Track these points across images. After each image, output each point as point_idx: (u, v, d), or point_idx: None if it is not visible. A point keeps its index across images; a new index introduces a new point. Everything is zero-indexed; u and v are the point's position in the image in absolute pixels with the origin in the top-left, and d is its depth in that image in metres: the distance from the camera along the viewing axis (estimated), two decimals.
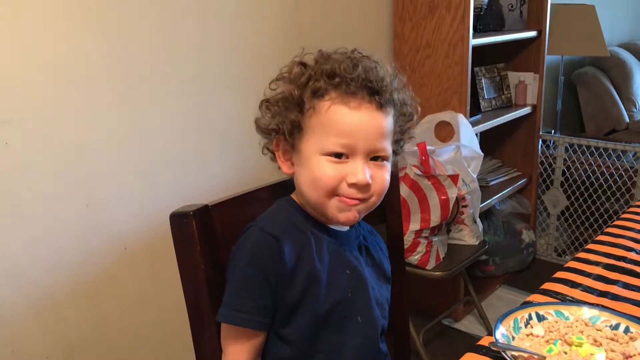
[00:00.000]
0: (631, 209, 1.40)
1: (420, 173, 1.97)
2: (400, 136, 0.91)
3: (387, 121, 0.86)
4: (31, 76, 1.30)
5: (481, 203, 2.28)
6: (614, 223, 1.32)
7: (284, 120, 0.86)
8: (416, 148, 2.03)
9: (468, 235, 2.17)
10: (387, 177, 0.88)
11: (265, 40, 1.78)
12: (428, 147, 2.04)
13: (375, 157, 0.86)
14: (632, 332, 0.83)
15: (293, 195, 0.94)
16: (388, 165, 0.88)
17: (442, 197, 1.97)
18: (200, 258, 0.88)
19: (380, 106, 0.84)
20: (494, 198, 2.48)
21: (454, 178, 1.99)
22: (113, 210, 1.51)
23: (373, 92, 0.83)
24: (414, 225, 1.98)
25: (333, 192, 0.85)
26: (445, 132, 2.19)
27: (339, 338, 0.89)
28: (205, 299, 0.89)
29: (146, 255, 1.59)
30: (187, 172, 1.66)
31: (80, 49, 1.37)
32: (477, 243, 2.17)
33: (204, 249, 0.88)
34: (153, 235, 1.58)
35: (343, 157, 0.84)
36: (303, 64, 0.87)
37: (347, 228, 0.94)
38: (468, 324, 2.35)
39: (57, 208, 1.40)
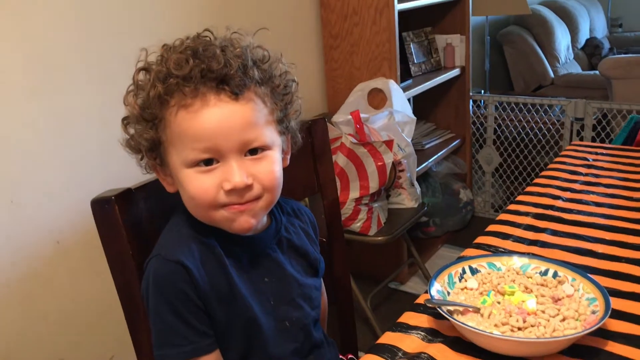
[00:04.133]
0: (557, 159, 1.44)
1: (355, 141, 1.97)
2: (282, 115, 0.81)
3: (250, 108, 0.75)
4: None
5: (418, 166, 2.31)
6: (541, 174, 1.36)
7: (140, 139, 0.77)
8: (350, 117, 2.03)
9: (407, 198, 2.21)
10: (274, 167, 0.78)
11: (189, 17, 1.72)
12: (362, 115, 2.05)
13: (252, 150, 0.76)
14: (560, 276, 0.86)
15: None
16: (273, 154, 0.78)
17: (379, 163, 1.98)
18: (127, 243, 0.84)
19: (235, 95, 0.74)
20: (430, 161, 2.52)
21: (389, 144, 2.01)
22: (41, 204, 1.44)
23: (221, 82, 0.73)
24: (354, 193, 1.99)
25: (215, 204, 0.76)
26: (377, 99, 2.20)
27: (273, 348, 0.85)
28: (136, 284, 0.86)
29: (80, 248, 1.53)
30: (115, 160, 1.59)
31: None
32: (416, 205, 2.21)
33: (130, 234, 0.85)
34: (84, 227, 1.52)
35: (214, 163, 0.75)
36: (145, 69, 0.77)
37: (260, 228, 0.86)
38: (414, 285, 2.40)
39: None
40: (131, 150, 0.81)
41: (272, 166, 0.78)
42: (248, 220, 0.78)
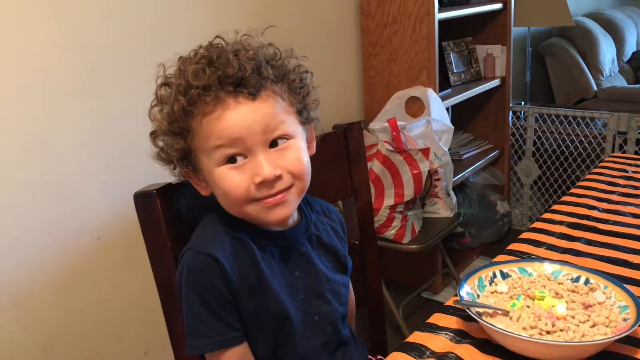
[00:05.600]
0: (595, 170, 1.43)
1: (391, 149, 1.98)
2: (300, 106, 0.84)
3: (269, 105, 0.78)
4: None
5: (455, 176, 2.30)
6: (578, 184, 1.35)
7: (171, 151, 0.82)
8: (387, 124, 2.04)
9: (442, 208, 2.20)
10: (299, 155, 0.81)
11: (230, 19, 1.77)
12: (399, 123, 2.06)
13: (275, 143, 0.79)
14: (592, 283, 0.85)
15: None
16: (296, 142, 0.81)
17: (415, 171, 1.99)
18: (167, 237, 0.88)
19: (252, 96, 0.77)
20: (467, 171, 2.51)
21: (425, 152, 2.01)
22: (84, 200, 1.50)
23: (238, 86, 0.77)
24: (388, 200, 2.00)
25: (248, 199, 0.79)
26: (415, 107, 2.21)
27: (302, 342, 0.87)
28: (174, 277, 0.88)
29: (121, 245, 1.58)
30: None
31: (39, 40, 1.35)
32: (451, 215, 2.20)
33: (170, 228, 0.88)
34: (125, 223, 1.57)
35: (241, 159, 0.79)
36: (166, 84, 0.81)
37: (291, 223, 0.89)
38: (447, 295, 2.38)
39: (27, 201, 1.38)
40: (163, 162, 0.85)
41: (298, 154, 0.81)
42: (282, 211, 0.81)
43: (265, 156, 0.78)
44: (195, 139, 0.80)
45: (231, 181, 0.79)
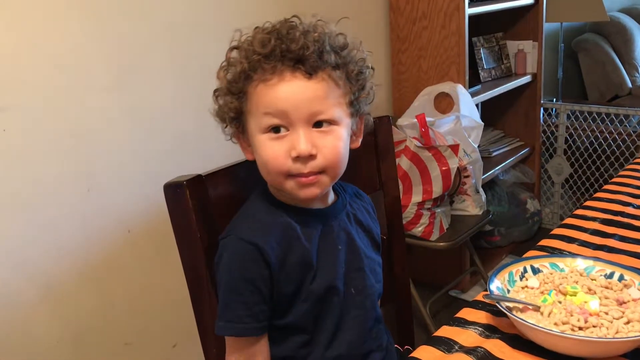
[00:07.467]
0: (629, 166, 1.39)
1: (420, 145, 1.97)
2: (353, 97, 0.86)
3: (322, 87, 0.81)
4: (26, 63, 1.31)
5: (484, 173, 2.28)
6: (611, 181, 1.32)
7: (226, 109, 0.86)
8: (415, 120, 2.03)
9: (471, 205, 2.18)
10: (339, 143, 0.83)
11: (261, 17, 1.78)
12: (427, 119, 2.04)
13: (318, 124, 0.82)
14: (626, 280, 0.83)
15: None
16: (339, 130, 0.83)
17: (443, 168, 1.97)
18: (196, 227, 0.89)
19: (309, 74, 0.80)
20: (497, 168, 2.48)
21: (455, 148, 1.99)
22: (114, 194, 1.52)
23: (297, 62, 0.80)
24: (416, 197, 1.98)
25: (284, 172, 0.82)
26: (444, 103, 2.19)
27: (338, 313, 0.89)
28: (203, 268, 0.90)
29: (150, 237, 1.60)
30: (187, 154, 1.66)
31: (74, 35, 1.38)
32: (480, 213, 2.18)
33: (200, 218, 0.89)
34: (155, 217, 1.59)
35: (283, 131, 0.81)
36: (236, 48, 0.86)
37: (330, 202, 0.92)
38: (475, 294, 2.35)
39: (59, 194, 1.41)
40: (219, 119, 0.89)
41: (336, 141, 0.83)
42: (311, 190, 0.84)
43: (305, 132, 0.81)
44: (248, 102, 0.83)
45: (271, 150, 0.82)
